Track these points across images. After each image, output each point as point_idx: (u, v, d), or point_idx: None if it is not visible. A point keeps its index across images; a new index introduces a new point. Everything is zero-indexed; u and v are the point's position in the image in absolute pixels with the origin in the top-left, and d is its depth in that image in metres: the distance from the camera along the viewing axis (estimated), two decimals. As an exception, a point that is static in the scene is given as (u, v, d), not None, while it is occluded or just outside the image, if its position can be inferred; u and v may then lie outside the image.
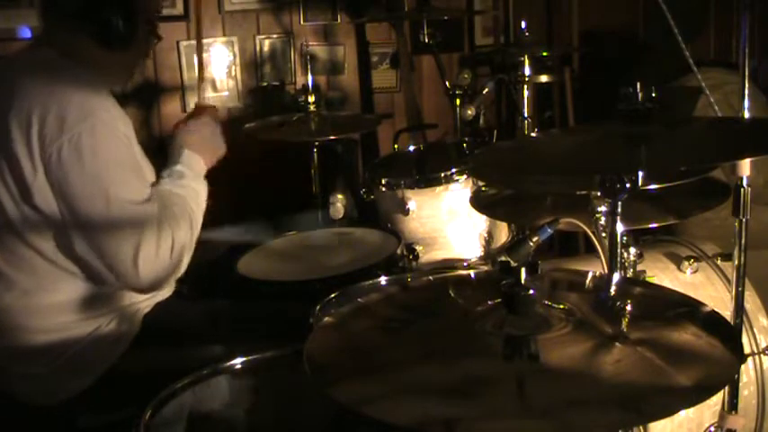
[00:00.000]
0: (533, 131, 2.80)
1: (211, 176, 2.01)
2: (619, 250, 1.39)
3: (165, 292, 1.97)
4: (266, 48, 3.66)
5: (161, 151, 2.02)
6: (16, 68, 1.81)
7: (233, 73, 3.61)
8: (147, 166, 1.89)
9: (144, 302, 1.90)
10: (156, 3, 1.96)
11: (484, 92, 2.58)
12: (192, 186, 1.92)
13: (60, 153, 1.66)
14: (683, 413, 1.83)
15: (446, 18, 3.59)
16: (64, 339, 1.79)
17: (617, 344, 1.11)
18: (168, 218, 1.78)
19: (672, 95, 2.80)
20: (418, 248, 2.32)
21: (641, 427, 1.60)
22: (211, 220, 1.98)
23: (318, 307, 1.80)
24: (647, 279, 1.83)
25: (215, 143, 2.04)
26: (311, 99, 2.68)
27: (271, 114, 2.95)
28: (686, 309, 1.22)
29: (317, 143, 2.77)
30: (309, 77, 2.69)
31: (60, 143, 1.65)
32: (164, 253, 1.75)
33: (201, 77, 2.33)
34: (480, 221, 2.36)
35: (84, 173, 1.67)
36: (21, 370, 1.81)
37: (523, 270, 1.12)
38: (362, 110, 3.84)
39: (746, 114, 1.57)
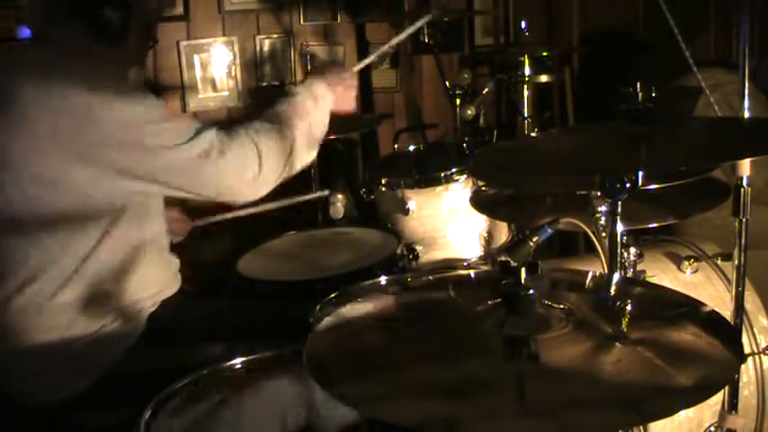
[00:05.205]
0: (533, 131, 2.80)
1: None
2: (619, 250, 1.39)
3: (170, 290, 1.97)
4: (266, 48, 3.66)
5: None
6: (12, 68, 1.80)
7: (233, 73, 3.60)
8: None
9: (148, 300, 1.90)
10: (157, 4, 1.94)
11: (484, 92, 2.59)
12: (299, 100, 1.87)
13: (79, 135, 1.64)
14: (683, 413, 1.83)
15: (446, 18, 3.58)
16: (68, 338, 1.78)
17: (617, 344, 1.11)
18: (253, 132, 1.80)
19: (672, 95, 2.80)
20: (418, 248, 2.32)
21: (641, 427, 1.60)
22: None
23: (318, 307, 1.80)
24: (647, 279, 1.83)
25: (347, 94, 2.00)
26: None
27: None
28: (686, 309, 1.22)
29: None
30: (309, 77, 2.69)
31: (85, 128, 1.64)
32: (251, 164, 1.77)
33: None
34: (480, 221, 2.36)
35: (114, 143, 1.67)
36: (24, 368, 1.81)
37: (523, 270, 1.12)
38: (362, 110, 3.84)
39: (746, 114, 1.57)
